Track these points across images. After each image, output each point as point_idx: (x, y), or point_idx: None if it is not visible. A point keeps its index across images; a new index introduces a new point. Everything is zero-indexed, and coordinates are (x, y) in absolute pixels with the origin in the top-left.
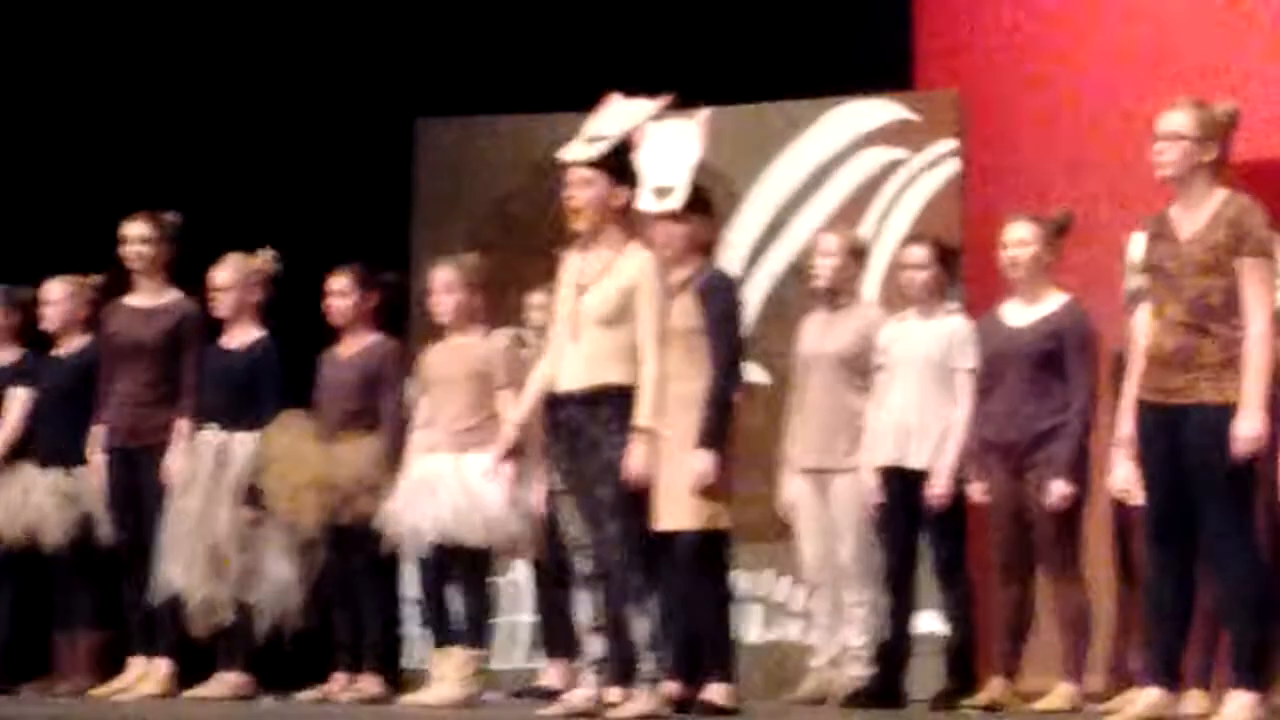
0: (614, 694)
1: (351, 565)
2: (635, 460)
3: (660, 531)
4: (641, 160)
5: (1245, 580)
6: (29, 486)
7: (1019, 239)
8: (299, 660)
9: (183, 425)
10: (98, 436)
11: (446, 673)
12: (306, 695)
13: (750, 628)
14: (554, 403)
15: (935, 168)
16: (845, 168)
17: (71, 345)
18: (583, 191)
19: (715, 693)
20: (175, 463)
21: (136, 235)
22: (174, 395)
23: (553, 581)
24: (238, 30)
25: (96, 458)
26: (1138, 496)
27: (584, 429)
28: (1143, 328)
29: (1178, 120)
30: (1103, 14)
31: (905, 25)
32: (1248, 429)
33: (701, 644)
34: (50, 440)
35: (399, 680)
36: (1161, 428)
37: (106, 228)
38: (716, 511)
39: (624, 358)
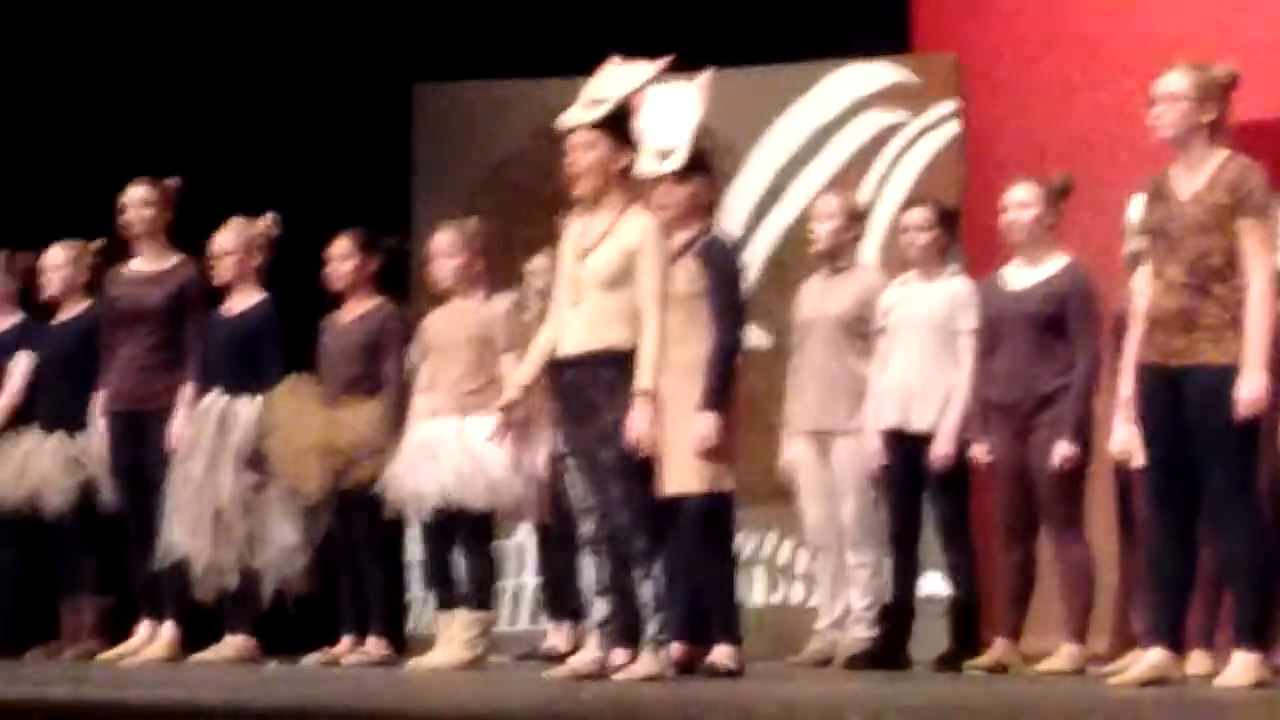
0: (619, 656)
1: (355, 529)
2: (638, 423)
3: (664, 495)
4: (642, 123)
5: (1247, 541)
6: (31, 452)
7: (1020, 201)
8: (304, 624)
9: (186, 390)
10: (100, 401)
11: (452, 636)
12: (312, 659)
13: (753, 591)
14: (557, 367)
15: (934, 130)
16: (845, 131)
17: (73, 310)
18: (584, 155)
19: (720, 655)
20: (179, 427)
21: (138, 200)
22: (177, 360)
23: (558, 545)
24: None
25: (99, 423)
26: (1138, 458)
27: (586, 392)
28: (1142, 289)
29: (1176, 81)
30: None
31: None
32: (1250, 389)
33: (706, 606)
34: (52, 406)
35: (404, 643)
36: (1163, 389)
37: (107, 193)
38: (720, 474)
39: (626, 320)
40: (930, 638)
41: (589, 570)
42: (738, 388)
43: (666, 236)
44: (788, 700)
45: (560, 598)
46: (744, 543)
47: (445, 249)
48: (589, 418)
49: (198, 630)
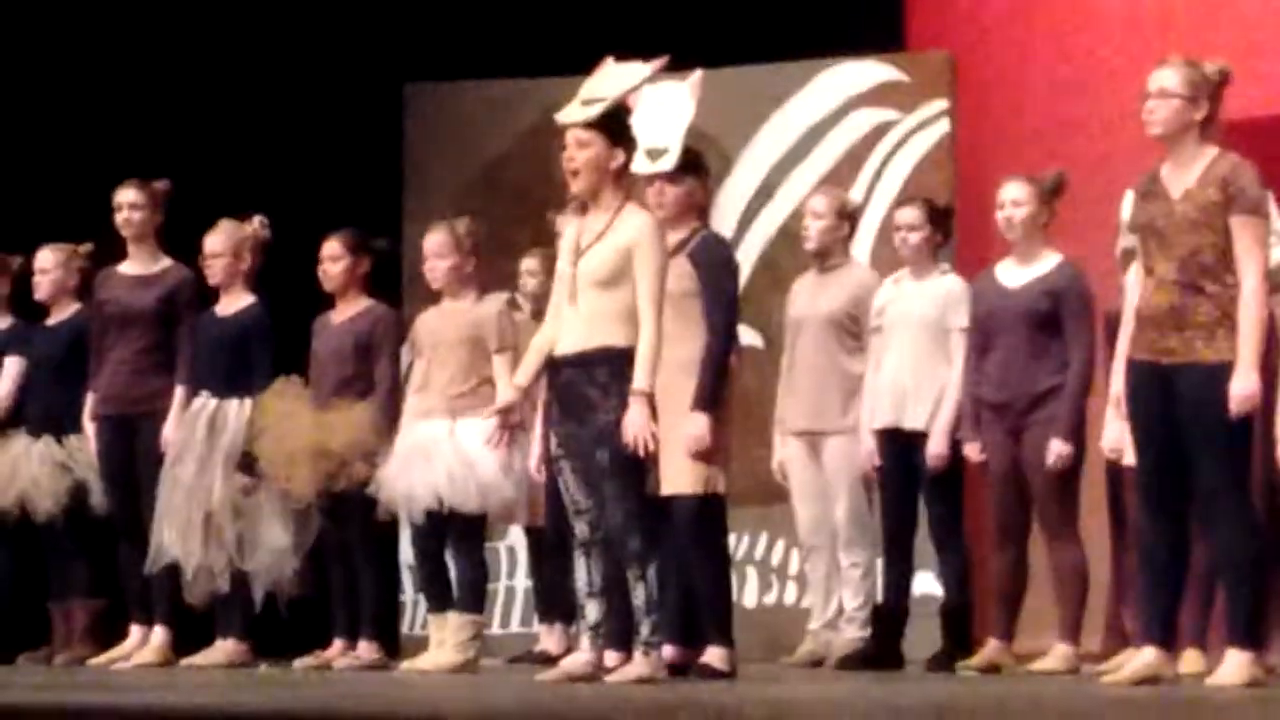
0: (612, 658)
1: (347, 532)
2: (634, 423)
3: (658, 496)
4: (634, 122)
5: (1240, 539)
6: (21, 456)
7: (1014, 199)
8: (296, 628)
9: (177, 393)
10: (90, 405)
11: (444, 639)
12: (304, 662)
13: (746, 591)
14: (553, 366)
15: (926, 129)
16: (836, 129)
17: (62, 314)
18: (580, 153)
19: (713, 656)
20: (169, 431)
21: (128, 202)
22: (167, 362)
23: (554, 547)
24: None
25: (89, 426)
26: (1129, 456)
27: (582, 391)
28: (1134, 287)
29: (1168, 78)
30: None
31: None
32: (1243, 387)
33: (699, 608)
34: (42, 409)
35: (397, 646)
36: (1155, 387)
37: (97, 195)
38: (713, 475)
39: (622, 320)
40: (923, 638)
41: (582, 572)
42: (731, 388)
43: (663, 235)
44: (780, 701)
45: (552, 600)
46: (736, 543)
47: (436, 249)
48: (585, 417)
49: (189, 634)
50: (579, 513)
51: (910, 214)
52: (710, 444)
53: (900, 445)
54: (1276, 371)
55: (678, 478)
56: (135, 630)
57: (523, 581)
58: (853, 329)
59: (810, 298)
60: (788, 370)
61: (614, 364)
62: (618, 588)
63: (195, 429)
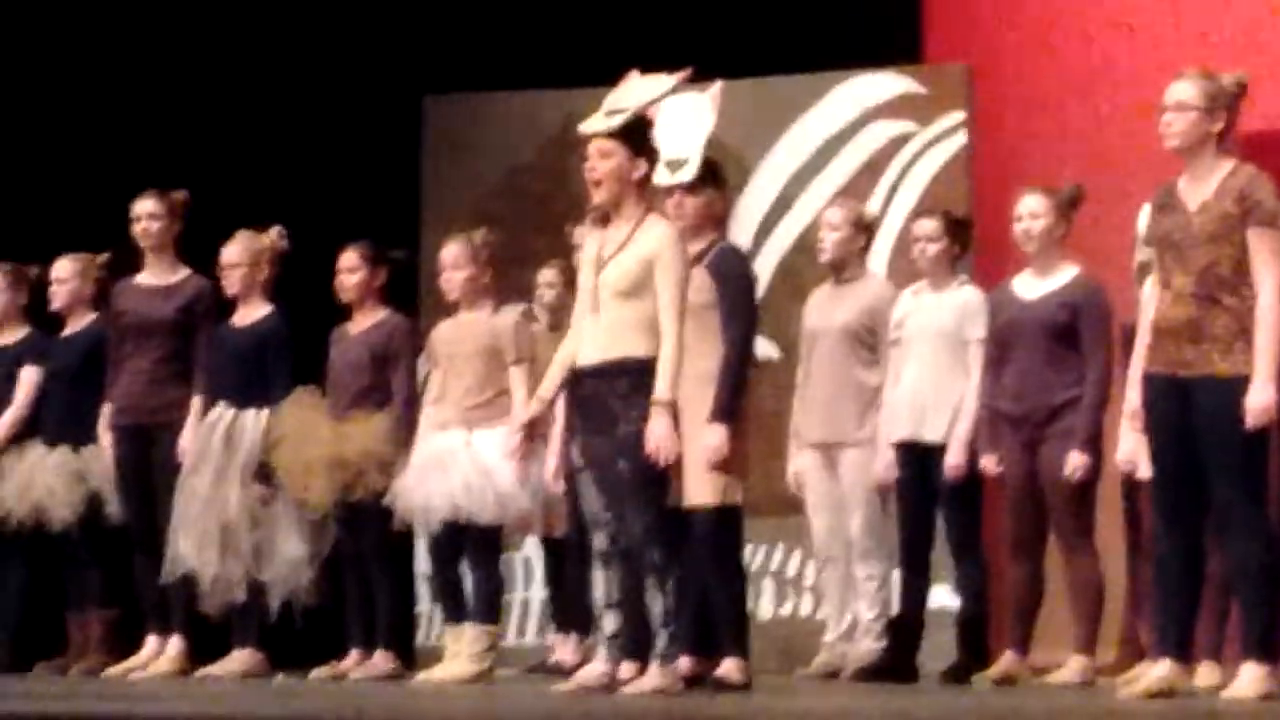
0: (627, 670)
1: (363, 542)
2: (656, 433)
3: (677, 507)
4: (654, 133)
5: (1256, 552)
6: (37, 466)
7: (1031, 211)
8: (312, 638)
9: (195, 403)
10: (107, 415)
11: (460, 649)
12: (320, 673)
13: (761, 603)
14: (575, 377)
15: (943, 141)
16: (854, 141)
17: (79, 324)
18: (603, 163)
19: (728, 668)
20: (186, 441)
21: (146, 213)
22: (184, 373)
23: (576, 558)
24: (246, 7)
25: (106, 436)
26: (1143, 468)
27: (604, 402)
28: (1150, 300)
29: (1185, 90)
30: None
31: None
32: (1259, 400)
33: (715, 619)
34: (58, 419)
35: (412, 657)
36: (1171, 400)
37: (115, 206)
38: (730, 486)
39: (644, 330)
40: (938, 650)
41: (600, 584)
42: (748, 400)
43: (685, 245)
44: (795, 713)
45: (568, 611)
46: (752, 555)
47: (454, 260)
48: (607, 428)
49: (205, 644)
50: (598, 524)
51: (928, 226)
52: (728, 455)
53: (919, 457)
54: None
55: (695, 489)
56: (151, 640)
57: (539, 593)
58: (868, 341)
59: (826, 310)
60: (803, 382)
61: (636, 375)
62: (635, 599)
63: (212, 439)
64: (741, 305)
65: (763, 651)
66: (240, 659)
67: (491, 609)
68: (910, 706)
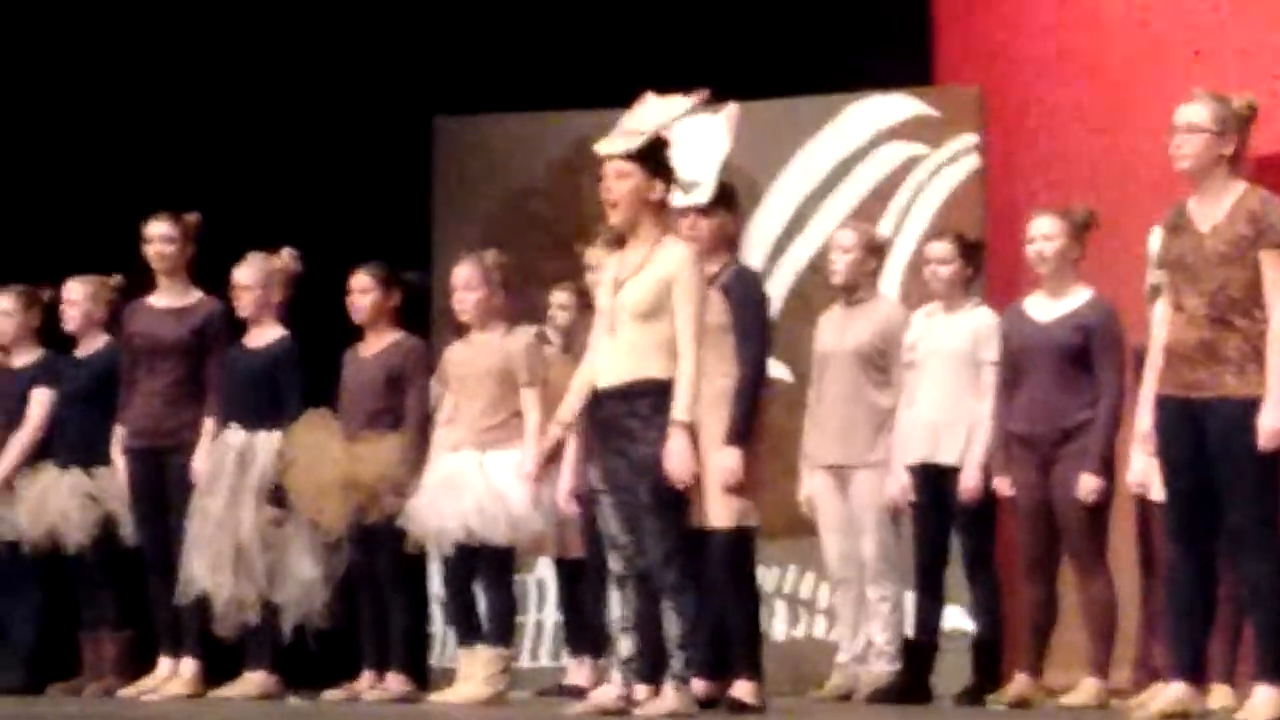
0: (642, 692)
1: (376, 564)
2: (675, 454)
3: (692, 529)
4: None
5: (1269, 573)
6: (49, 488)
7: (1045, 233)
8: (325, 659)
9: (208, 425)
10: (120, 437)
11: (473, 671)
12: (333, 694)
13: (774, 625)
14: (594, 399)
15: (955, 163)
16: (865, 163)
17: (92, 346)
18: (619, 184)
19: (742, 690)
20: (199, 463)
21: (158, 235)
22: (197, 395)
23: (593, 580)
24: (257, 29)
25: (119, 458)
26: (1155, 490)
27: (622, 424)
28: (1161, 322)
29: (1196, 112)
30: (1125, 7)
31: (925, 21)
32: (1272, 422)
33: (729, 641)
34: (71, 441)
35: (425, 679)
36: (1184, 422)
37: (127, 227)
38: (745, 508)
39: (662, 351)
40: (952, 672)
41: (616, 605)
42: (761, 421)
43: (702, 266)
44: None
45: (581, 633)
46: (765, 576)
47: (465, 282)
48: (625, 450)
49: (218, 666)
50: (616, 546)
51: (941, 248)
52: (742, 477)
53: (933, 480)
54: None
55: (713, 511)
56: (165, 661)
57: (552, 614)
58: (880, 363)
59: (837, 332)
60: (815, 404)
61: (654, 396)
62: (651, 622)
63: (225, 461)
64: (756, 327)
65: (775, 673)
66: (254, 681)
67: (505, 631)
68: None
